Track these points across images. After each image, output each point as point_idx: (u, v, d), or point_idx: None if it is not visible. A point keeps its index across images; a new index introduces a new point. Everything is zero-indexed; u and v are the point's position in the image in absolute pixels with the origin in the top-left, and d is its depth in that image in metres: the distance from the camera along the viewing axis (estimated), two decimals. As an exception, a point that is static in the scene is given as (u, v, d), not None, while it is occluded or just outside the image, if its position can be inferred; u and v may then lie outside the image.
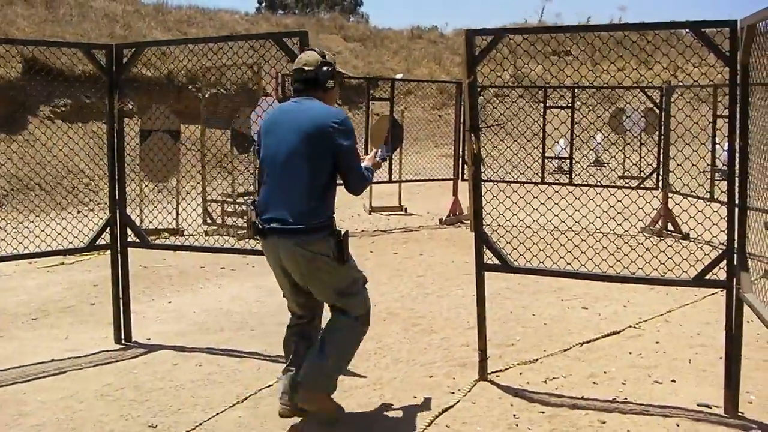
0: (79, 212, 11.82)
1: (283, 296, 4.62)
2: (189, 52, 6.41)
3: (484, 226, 5.12)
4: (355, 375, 5.33)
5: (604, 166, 17.82)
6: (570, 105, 11.95)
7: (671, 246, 5.28)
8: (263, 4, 45.38)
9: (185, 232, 11.14)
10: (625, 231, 6.16)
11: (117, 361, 5.76)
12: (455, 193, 12.69)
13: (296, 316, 4.64)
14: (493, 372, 5.34)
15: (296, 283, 4.40)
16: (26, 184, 13.65)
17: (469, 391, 4.99)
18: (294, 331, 4.63)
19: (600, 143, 19.86)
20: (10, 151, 13.69)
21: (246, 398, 4.94)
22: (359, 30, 29.53)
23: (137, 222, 10.30)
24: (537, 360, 5.64)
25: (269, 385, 5.14)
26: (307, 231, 4.18)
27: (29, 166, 13.37)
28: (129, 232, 6.20)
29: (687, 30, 4.52)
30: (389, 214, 13.10)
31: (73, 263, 9.25)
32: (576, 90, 12.54)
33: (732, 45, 4.33)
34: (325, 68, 4.39)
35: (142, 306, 7.30)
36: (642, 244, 5.12)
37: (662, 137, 11.28)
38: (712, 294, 6.73)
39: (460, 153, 12.57)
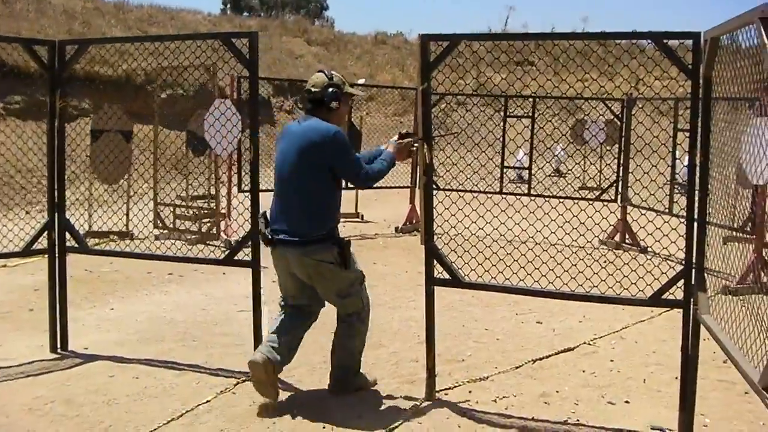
0: (27, 213, 11.45)
1: (283, 295, 5.04)
2: (144, 50, 6.16)
3: (435, 239, 4.93)
4: (298, 391, 5.13)
5: (564, 177, 17.77)
6: (530, 115, 11.85)
7: (628, 263, 5.10)
8: (228, 6, 44.98)
9: (134, 236, 10.87)
10: (581, 246, 6.00)
11: (50, 371, 5.47)
12: (412, 201, 12.52)
13: (282, 300, 5.08)
14: (441, 390, 5.14)
15: (304, 283, 4.85)
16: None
17: (414, 411, 4.78)
18: (291, 310, 5.01)
19: (560, 153, 19.83)
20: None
21: (181, 415, 4.68)
22: (323, 34, 29.39)
23: (86, 225, 10.07)
24: (488, 378, 5.46)
25: (207, 401, 4.90)
26: (311, 242, 4.64)
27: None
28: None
29: (649, 41, 4.37)
30: (345, 221, 12.83)
31: (16, 266, 8.89)
32: (537, 100, 12.43)
33: (695, 58, 4.19)
34: (330, 90, 4.76)
35: (83, 313, 7.02)
36: (598, 260, 4.93)
37: (621, 150, 11.21)
38: (670, 310, 6.60)
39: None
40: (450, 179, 10.88)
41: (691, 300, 4.24)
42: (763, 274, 7.83)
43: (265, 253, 5.02)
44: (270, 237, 4.77)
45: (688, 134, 4.25)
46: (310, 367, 5.55)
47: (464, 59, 5.33)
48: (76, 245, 5.97)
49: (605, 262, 5.05)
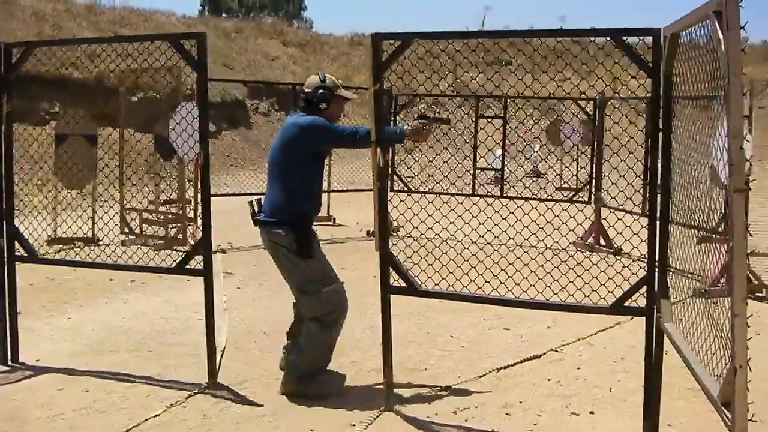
0: None
1: None
2: (112, 52, 5.96)
3: (395, 243, 4.76)
4: (252, 404, 4.95)
5: (541, 177, 17.65)
6: (501, 115, 11.71)
7: (596, 264, 4.91)
8: (206, 8, 44.72)
9: (100, 242, 10.64)
10: (548, 247, 5.85)
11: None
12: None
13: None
14: (400, 400, 4.97)
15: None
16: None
17: (371, 424, 4.61)
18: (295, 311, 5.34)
19: (534, 155, 19.73)
20: None
21: (128, 431, 4.50)
22: (298, 35, 29.24)
23: (50, 230, 9.83)
24: (450, 387, 5.27)
25: (156, 415, 4.71)
26: (274, 223, 4.97)
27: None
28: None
29: (608, 38, 4.22)
30: (317, 224, 12.60)
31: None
32: (510, 100, 12.28)
33: (654, 55, 4.04)
34: (320, 92, 5.09)
35: (40, 322, 6.83)
36: (558, 267, 4.78)
37: (594, 150, 11.09)
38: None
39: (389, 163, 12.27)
40: (424, 180, 10.73)
41: (654, 307, 4.09)
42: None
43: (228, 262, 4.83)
44: (255, 219, 5.15)
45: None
46: (265, 378, 5.39)
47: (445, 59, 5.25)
48: (25, 254, 5.76)
49: (575, 264, 4.91)
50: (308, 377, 5.04)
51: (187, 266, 5.22)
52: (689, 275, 4.01)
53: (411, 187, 11.42)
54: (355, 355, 5.93)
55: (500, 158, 13.15)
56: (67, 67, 16.35)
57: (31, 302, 7.50)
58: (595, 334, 6.53)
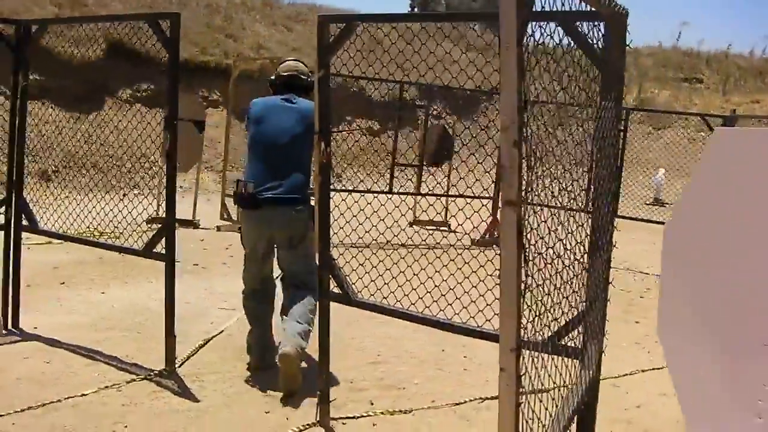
0: (125, 195, 11.70)
1: (246, 271, 5.41)
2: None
3: (331, 249, 4.43)
4: (190, 398, 4.80)
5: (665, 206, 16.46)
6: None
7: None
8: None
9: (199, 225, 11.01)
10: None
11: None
12: (494, 211, 11.85)
13: (252, 288, 5.39)
14: (340, 418, 4.61)
15: (269, 253, 5.33)
16: (82, 163, 13.65)
17: (292, 437, 4.31)
18: (257, 296, 5.39)
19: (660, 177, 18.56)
20: (75, 128, 13.68)
21: (42, 405, 4.45)
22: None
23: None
24: (410, 412, 4.78)
25: (82, 395, 4.67)
26: (297, 200, 5.12)
27: (88, 146, 13.48)
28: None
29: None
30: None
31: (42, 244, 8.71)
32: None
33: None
34: (310, 79, 5.34)
35: (72, 293, 7.14)
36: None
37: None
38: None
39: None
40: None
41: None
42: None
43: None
44: (257, 198, 5.11)
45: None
46: (229, 373, 5.28)
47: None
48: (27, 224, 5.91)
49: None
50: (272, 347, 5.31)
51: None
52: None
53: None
54: (308, 362, 5.54)
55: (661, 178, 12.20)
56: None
57: (78, 275, 7.76)
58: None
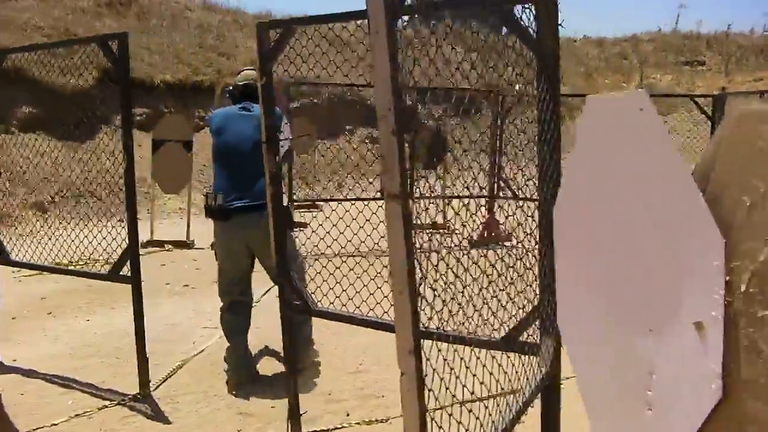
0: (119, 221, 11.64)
1: (222, 282, 5.44)
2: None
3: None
4: (162, 421, 4.75)
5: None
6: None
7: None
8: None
9: (193, 246, 10.91)
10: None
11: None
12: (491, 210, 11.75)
13: (231, 300, 5.43)
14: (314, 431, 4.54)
15: (247, 262, 5.38)
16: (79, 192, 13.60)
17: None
18: (235, 309, 5.42)
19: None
20: (68, 157, 13.63)
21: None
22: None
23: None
24: (376, 420, 4.72)
25: (54, 424, 4.62)
26: (265, 205, 4.74)
27: (84, 174, 13.41)
28: None
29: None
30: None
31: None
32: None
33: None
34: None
35: (58, 323, 7.04)
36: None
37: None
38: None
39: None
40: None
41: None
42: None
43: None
44: (227, 208, 5.18)
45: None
46: (204, 394, 5.20)
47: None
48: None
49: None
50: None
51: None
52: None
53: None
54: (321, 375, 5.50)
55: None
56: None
57: (67, 303, 7.71)
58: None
